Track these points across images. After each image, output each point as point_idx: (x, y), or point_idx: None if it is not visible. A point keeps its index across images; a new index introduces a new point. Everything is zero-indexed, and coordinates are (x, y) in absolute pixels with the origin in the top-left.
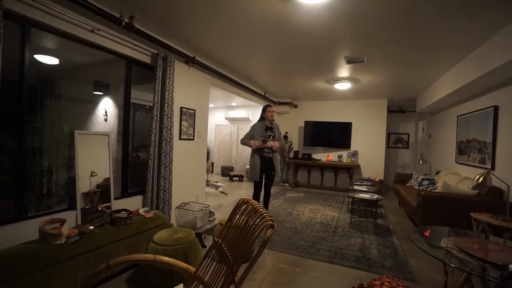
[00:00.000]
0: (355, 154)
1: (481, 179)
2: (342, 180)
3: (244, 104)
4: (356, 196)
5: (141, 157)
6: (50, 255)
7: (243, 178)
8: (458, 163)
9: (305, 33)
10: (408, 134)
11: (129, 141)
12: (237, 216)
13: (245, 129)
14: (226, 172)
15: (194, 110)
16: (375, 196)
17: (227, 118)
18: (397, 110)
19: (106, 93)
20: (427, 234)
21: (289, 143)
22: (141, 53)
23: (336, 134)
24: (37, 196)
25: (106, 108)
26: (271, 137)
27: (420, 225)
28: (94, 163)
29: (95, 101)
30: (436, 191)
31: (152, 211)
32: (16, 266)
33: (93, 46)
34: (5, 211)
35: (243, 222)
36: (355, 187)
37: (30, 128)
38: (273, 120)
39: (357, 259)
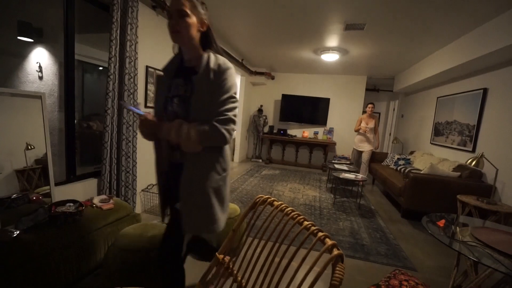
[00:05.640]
0: (331, 131)
1: (474, 162)
2: (316, 157)
3: None
4: (341, 176)
5: (93, 128)
6: None
7: None
8: (433, 144)
9: None
10: (379, 113)
11: (74, 106)
12: (252, 221)
13: None
14: None
15: None
16: (360, 177)
17: None
18: (372, 89)
19: (38, 41)
20: (441, 224)
21: (264, 117)
22: None
23: (313, 110)
24: None
25: (40, 62)
26: (176, 98)
27: (406, 207)
28: (29, 133)
29: (21, 52)
30: (422, 172)
31: (112, 200)
32: None
33: None
34: None
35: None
36: (336, 165)
37: None
38: (213, 49)
39: (352, 246)
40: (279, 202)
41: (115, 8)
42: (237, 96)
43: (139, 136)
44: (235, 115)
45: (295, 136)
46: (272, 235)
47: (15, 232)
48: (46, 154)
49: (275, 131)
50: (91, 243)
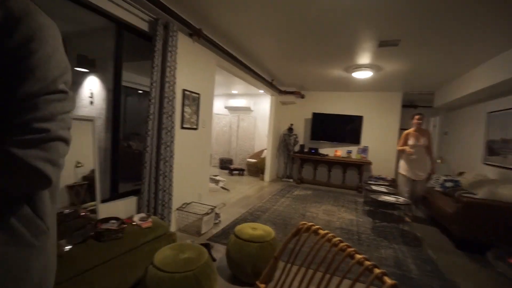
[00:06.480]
0: (365, 150)
1: None
2: (350, 177)
3: (245, 92)
4: (380, 199)
5: (133, 147)
6: None
7: (244, 172)
8: (486, 164)
9: (331, 7)
10: None
11: (119, 129)
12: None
13: (246, 119)
14: (225, 164)
15: (199, 94)
16: (401, 200)
17: (227, 107)
18: (408, 105)
19: (91, 71)
20: None
21: (295, 136)
22: (136, 17)
23: (345, 128)
24: None
25: (92, 89)
26: None
27: (460, 236)
28: (79, 152)
29: (78, 80)
30: (478, 197)
31: (150, 218)
32: None
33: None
34: None
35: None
36: (373, 187)
37: None
38: None
39: (398, 279)
40: (325, 231)
41: (158, 38)
42: (67, 89)
43: (175, 156)
44: (62, 128)
45: (327, 155)
46: (316, 264)
47: (67, 248)
48: (93, 171)
49: (306, 150)
50: (131, 260)
